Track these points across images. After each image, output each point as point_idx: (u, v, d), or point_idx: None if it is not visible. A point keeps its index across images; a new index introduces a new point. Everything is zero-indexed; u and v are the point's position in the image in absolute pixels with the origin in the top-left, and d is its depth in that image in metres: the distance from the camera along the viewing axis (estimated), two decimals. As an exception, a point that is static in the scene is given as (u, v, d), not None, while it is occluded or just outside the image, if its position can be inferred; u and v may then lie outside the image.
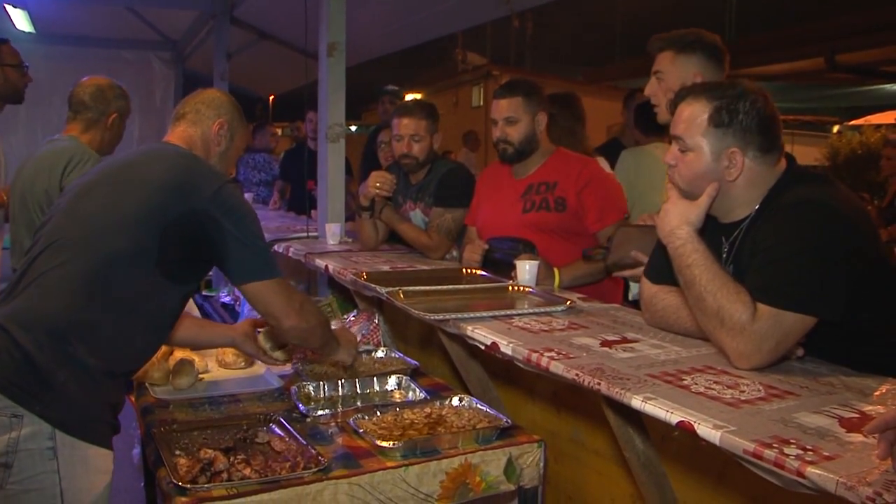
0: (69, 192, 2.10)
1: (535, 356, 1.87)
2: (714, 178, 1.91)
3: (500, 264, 2.92)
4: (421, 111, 3.52)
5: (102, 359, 1.85)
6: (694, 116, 1.92)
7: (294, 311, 2.05)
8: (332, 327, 2.36)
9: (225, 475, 1.76)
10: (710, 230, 1.95)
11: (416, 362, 2.61)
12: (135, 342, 1.96)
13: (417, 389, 2.35)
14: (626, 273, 2.58)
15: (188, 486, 1.71)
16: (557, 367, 1.78)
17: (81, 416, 1.82)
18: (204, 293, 4.44)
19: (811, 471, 1.21)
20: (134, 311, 1.92)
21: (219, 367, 2.63)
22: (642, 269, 2.31)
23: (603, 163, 3.81)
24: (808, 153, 16.03)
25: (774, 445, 1.30)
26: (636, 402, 1.55)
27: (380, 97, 6.10)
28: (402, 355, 2.70)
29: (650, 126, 4.26)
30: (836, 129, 16.94)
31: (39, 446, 1.76)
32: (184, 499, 1.68)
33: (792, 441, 1.32)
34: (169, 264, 1.93)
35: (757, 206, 1.93)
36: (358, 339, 2.84)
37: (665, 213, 1.96)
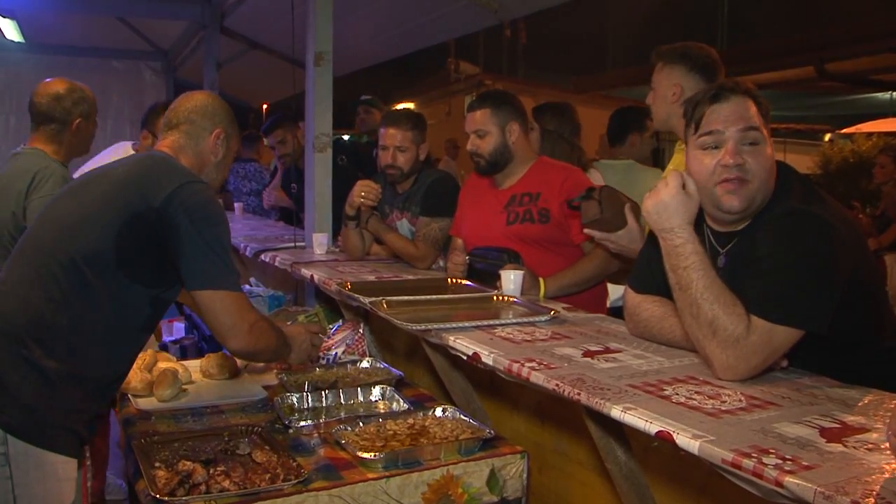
0: (45, 204, 2.09)
1: (515, 366, 1.85)
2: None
3: (485, 274, 2.91)
4: (407, 122, 3.50)
5: (62, 362, 1.81)
6: (750, 109, 1.87)
7: (243, 332, 1.94)
8: (285, 329, 2.23)
9: (203, 487, 1.75)
10: (707, 238, 1.94)
11: (400, 373, 2.59)
12: (101, 346, 1.90)
13: (401, 400, 2.34)
14: (597, 234, 2.53)
15: (166, 498, 1.70)
16: (538, 378, 1.77)
17: (37, 421, 1.78)
18: (194, 307, 4.41)
19: (789, 480, 1.20)
20: (96, 314, 1.87)
21: (202, 378, 2.61)
22: (615, 234, 2.35)
23: (594, 174, 3.80)
24: (800, 161, 16.05)
25: (753, 455, 1.29)
26: (616, 413, 1.54)
27: (356, 108, 6.11)
28: (387, 366, 2.69)
29: (616, 135, 4.26)
30: (827, 137, 16.98)
31: None
32: (161, 512, 1.67)
33: (771, 451, 1.31)
34: (131, 266, 1.88)
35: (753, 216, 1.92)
36: (342, 349, 2.82)
37: (663, 207, 1.88)
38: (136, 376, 2.39)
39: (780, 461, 1.27)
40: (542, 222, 2.92)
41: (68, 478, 1.85)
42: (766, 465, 1.25)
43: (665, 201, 1.89)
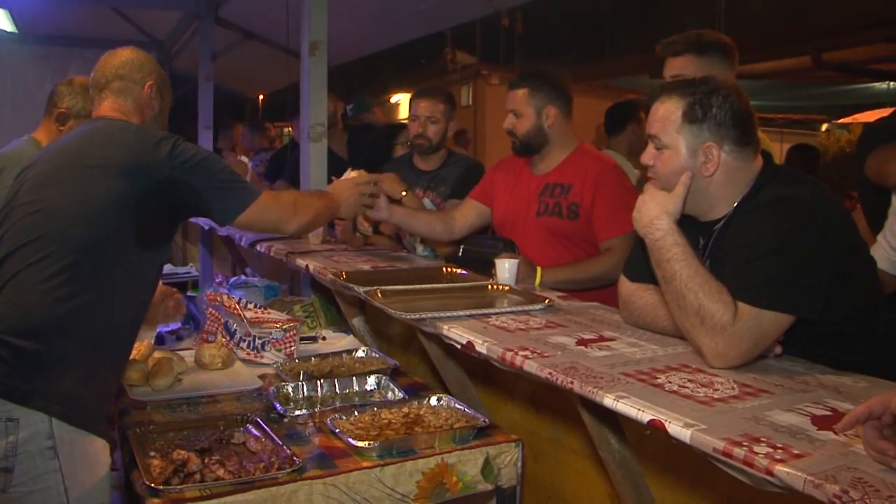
0: (22, 188, 2.01)
1: (509, 355, 1.85)
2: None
3: (480, 263, 2.90)
4: (440, 94, 3.64)
5: (96, 347, 1.86)
6: (668, 114, 1.92)
7: (289, 216, 2.26)
8: (327, 189, 2.61)
9: (198, 476, 1.75)
10: (687, 229, 1.94)
11: (395, 362, 2.60)
12: (125, 321, 1.97)
13: (396, 389, 2.34)
14: None
15: (161, 487, 1.71)
16: (531, 366, 1.77)
17: (81, 407, 1.83)
18: (189, 293, 4.40)
19: (779, 469, 1.21)
20: (120, 292, 1.92)
21: (197, 368, 2.61)
22: None
23: (621, 159, 3.82)
24: (796, 152, 16.05)
25: (744, 444, 1.29)
26: (608, 401, 1.54)
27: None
28: (382, 355, 2.69)
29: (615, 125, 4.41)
30: (824, 127, 16.99)
31: (39, 447, 1.77)
32: (156, 500, 1.69)
33: (762, 439, 1.32)
34: (147, 236, 1.95)
35: (735, 205, 1.93)
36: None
37: (642, 204, 1.94)
38: (131, 366, 2.39)
39: (770, 450, 1.27)
40: (570, 219, 2.90)
41: (106, 462, 1.90)
42: (757, 453, 1.26)
43: (643, 199, 1.95)
